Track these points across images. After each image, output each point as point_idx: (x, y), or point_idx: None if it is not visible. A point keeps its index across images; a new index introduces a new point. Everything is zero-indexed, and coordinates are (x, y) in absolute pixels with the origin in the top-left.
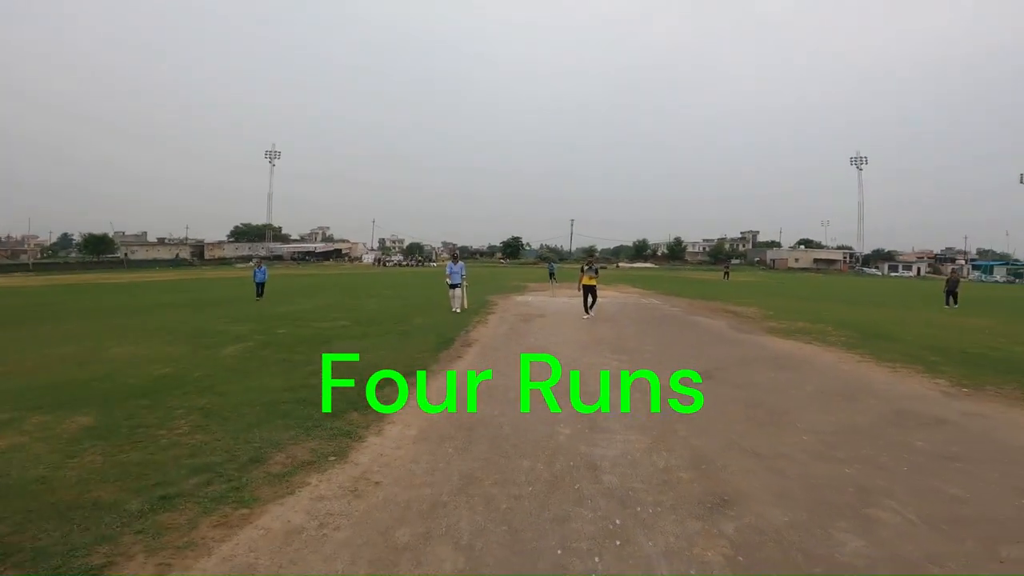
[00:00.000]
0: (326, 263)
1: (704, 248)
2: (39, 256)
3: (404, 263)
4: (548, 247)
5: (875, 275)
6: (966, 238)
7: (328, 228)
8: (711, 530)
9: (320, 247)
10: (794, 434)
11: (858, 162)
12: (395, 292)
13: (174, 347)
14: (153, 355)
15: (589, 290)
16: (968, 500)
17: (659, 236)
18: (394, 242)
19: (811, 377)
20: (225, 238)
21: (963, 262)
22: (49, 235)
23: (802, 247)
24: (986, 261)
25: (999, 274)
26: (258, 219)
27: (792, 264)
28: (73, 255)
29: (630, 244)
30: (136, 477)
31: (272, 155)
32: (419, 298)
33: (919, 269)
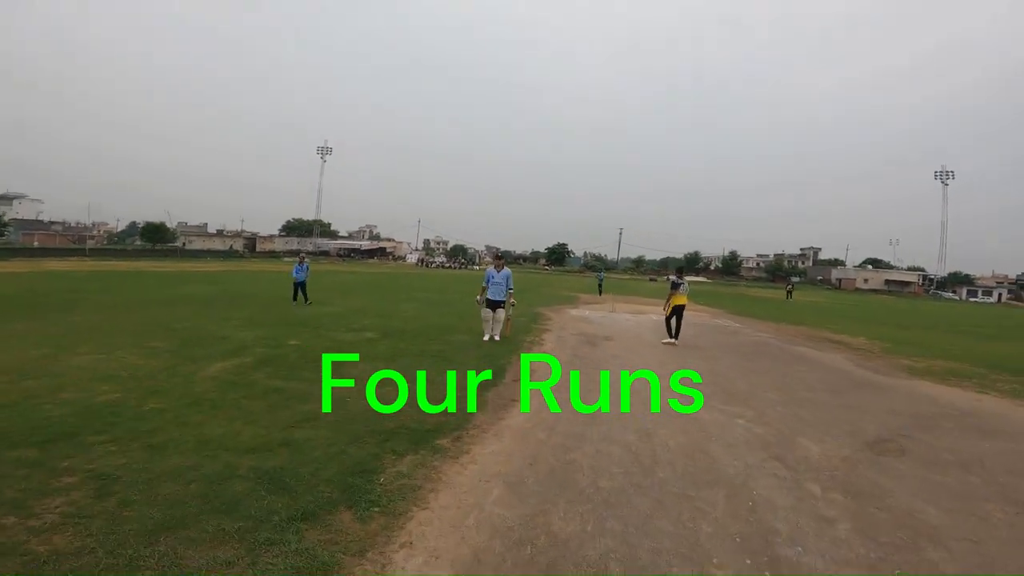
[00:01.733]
0: (370, 261)
1: (759, 263)
2: (104, 242)
3: (447, 265)
4: (593, 255)
5: (953, 299)
6: None
7: (376, 226)
8: None
9: (366, 245)
10: None
11: (943, 176)
12: (437, 295)
13: (150, 359)
14: (114, 369)
15: (677, 311)
16: None
17: (711, 250)
18: (438, 243)
19: (1011, 442)
20: (277, 232)
21: None
22: (117, 223)
23: (870, 266)
24: None
25: None
26: (312, 215)
27: (860, 285)
28: (138, 242)
29: (679, 256)
30: None
31: (324, 151)
32: (462, 303)
33: (1000, 295)
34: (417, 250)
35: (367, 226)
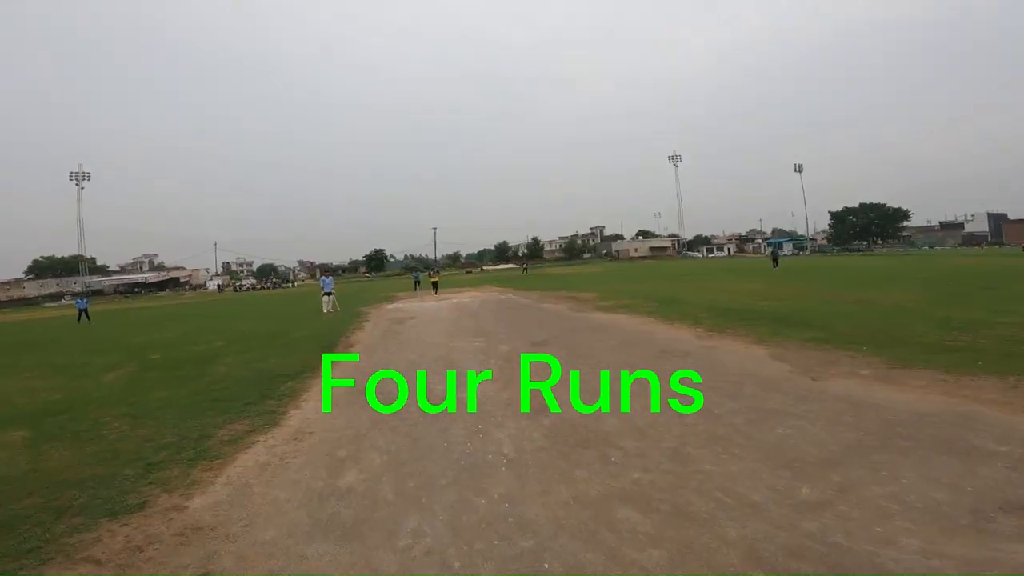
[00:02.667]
0: (161, 294)
1: (560, 245)
2: None
3: (258, 287)
4: (413, 256)
5: (697, 257)
6: (761, 220)
7: (156, 255)
8: (536, 423)
9: (151, 276)
10: (595, 367)
11: (675, 160)
12: (259, 314)
13: (52, 379)
14: (41, 386)
15: (435, 284)
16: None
17: (519, 238)
18: (241, 265)
19: (615, 335)
20: (23, 275)
21: (760, 240)
22: None
23: (640, 238)
24: (776, 239)
25: (787, 248)
26: (61, 251)
27: (633, 254)
28: None
29: (492, 247)
30: (113, 459)
31: (80, 177)
32: (287, 316)
33: (729, 249)
34: (217, 275)
35: (145, 256)
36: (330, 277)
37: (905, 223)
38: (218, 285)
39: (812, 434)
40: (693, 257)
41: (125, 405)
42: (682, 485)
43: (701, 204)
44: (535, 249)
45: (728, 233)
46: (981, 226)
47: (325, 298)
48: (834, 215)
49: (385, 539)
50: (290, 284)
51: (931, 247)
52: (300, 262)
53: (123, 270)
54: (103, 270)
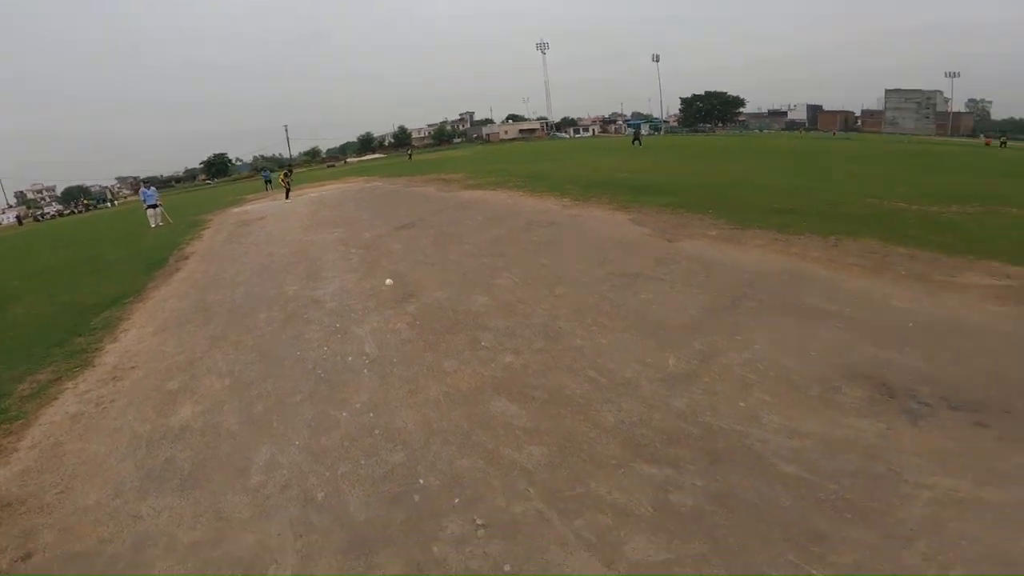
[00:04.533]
0: None
1: (429, 132)
2: None
3: (66, 212)
4: (264, 157)
5: (564, 138)
6: (622, 104)
7: None
8: (400, 312)
9: None
10: (460, 247)
11: (542, 47)
12: (69, 239)
13: None
14: None
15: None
16: (549, 264)
17: (384, 129)
18: (40, 192)
19: (482, 211)
20: None
21: (620, 122)
22: None
23: (510, 121)
24: (635, 120)
25: (644, 128)
26: None
27: (503, 136)
28: None
29: (355, 140)
30: None
31: None
32: (105, 239)
33: (594, 130)
34: (10, 207)
35: None
36: (152, 188)
37: (741, 109)
38: (16, 217)
39: (672, 297)
40: (561, 138)
41: None
42: (555, 365)
43: (568, 89)
44: (403, 138)
45: (593, 115)
46: (801, 115)
47: (150, 211)
48: (684, 100)
49: (233, 479)
50: (108, 204)
51: (761, 130)
52: (120, 179)
53: None
54: None
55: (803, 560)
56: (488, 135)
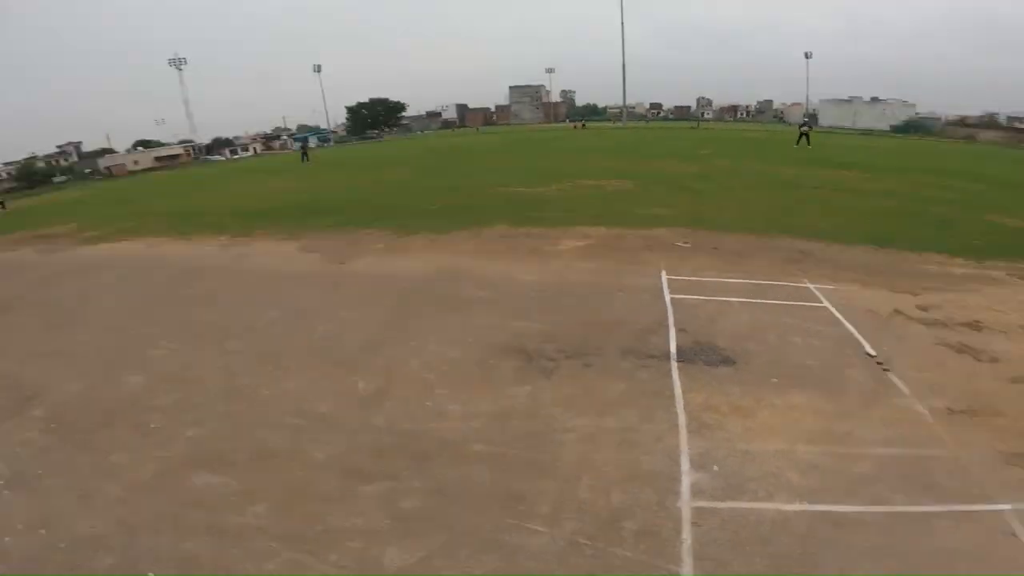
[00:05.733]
0: None
1: (9, 174)
2: None
3: None
4: None
5: (220, 160)
6: (284, 118)
7: None
8: (23, 419)
9: None
10: (90, 324)
11: (177, 63)
12: None
13: None
14: None
15: None
16: (215, 319)
17: None
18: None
19: (114, 271)
20: None
21: (286, 137)
22: None
23: (140, 148)
24: (302, 133)
25: (312, 141)
26: None
27: (132, 167)
28: None
29: None
30: None
31: None
32: None
33: (255, 149)
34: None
35: None
36: None
37: (403, 113)
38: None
39: (350, 321)
40: (215, 160)
41: None
42: (247, 423)
43: (217, 107)
44: None
45: (252, 132)
46: (452, 114)
47: None
48: (350, 109)
49: None
50: None
51: (422, 132)
52: None
53: None
54: None
55: (518, 519)
56: (109, 167)
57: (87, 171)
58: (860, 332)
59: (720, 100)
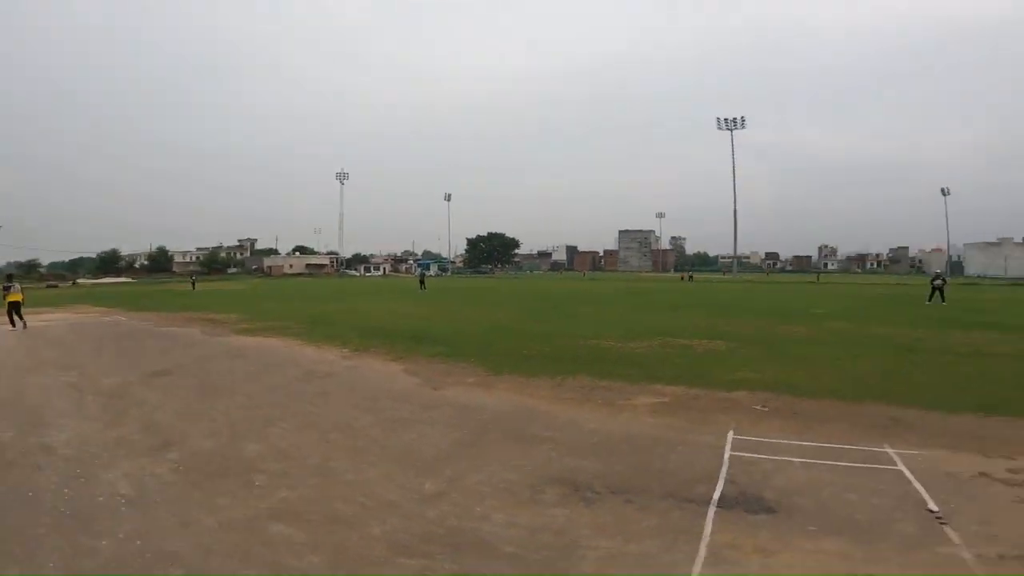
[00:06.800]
0: None
1: (198, 257)
2: None
3: None
4: None
5: (354, 275)
6: (414, 242)
7: None
8: (158, 459)
9: None
10: (230, 399)
11: (342, 177)
12: None
13: None
14: None
15: (14, 307)
16: (324, 413)
17: (138, 245)
18: None
19: (256, 360)
20: None
21: (412, 261)
22: None
23: (297, 253)
24: (425, 260)
25: (432, 269)
26: None
27: (287, 270)
28: None
29: (94, 256)
30: None
31: None
32: None
33: (384, 269)
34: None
35: None
36: None
37: (516, 250)
38: None
39: (431, 436)
40: (351, 275)
41: None
42: (328, 496)
43: (360, 223)
44: (160, 260)
45: (385, 253)
46: (562, 255)
47: None
48: (470, 241)
49: None
50: None
51: (531, 271)
52: None
53: None
54: None
55: None
56: (270, 267)
57: (254, 267)
58: (928, 491)
59: (846, 248)
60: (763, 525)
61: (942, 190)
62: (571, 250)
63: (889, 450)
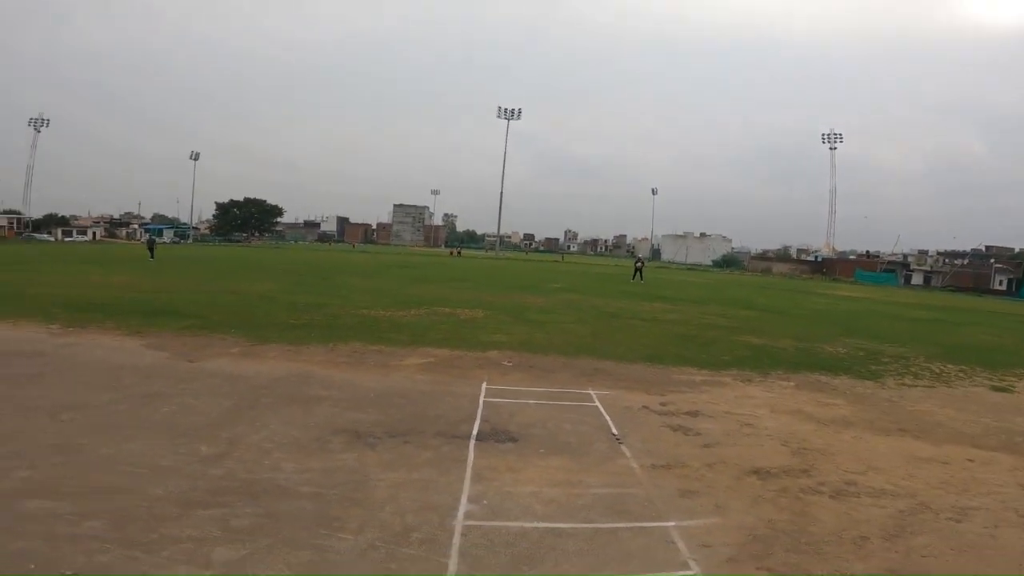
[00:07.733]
0: None
1: None
2: None
3: None
4: None
5: (48, 241)
6: (140, 203)
7: None
8: None
9: None
10: None
11: (37, 124)
12: None
13: None
14: None
15: None
16: (44, 396)
17: None
18: None
19: None
20: None
21: (136, 225)
22: None
23: None
24: (157, 224)
25: (167, 236)
26: None
27: None
28: None
29: None
30: None
31: None
32: None
33: (95, 233)
34: None
35: None
36: None
37: (279, 219)
38: None
39: (196, 407)
40: (42, 240)
41: None
42: (84, 471)
43: (64, 179)
44: None
45: (96, 214)
46: (331, 226)
47: None
48: (220, 206)
49: None
50: None
51: (296, 241)
52: None
53: None
54: None
55: (331, 531)
56: None
57: None
58: (612, 421)
59: (586, 233)
60: (510, 451)
61: (652, 190)
62: (342, 221)
63: (591, 391)
